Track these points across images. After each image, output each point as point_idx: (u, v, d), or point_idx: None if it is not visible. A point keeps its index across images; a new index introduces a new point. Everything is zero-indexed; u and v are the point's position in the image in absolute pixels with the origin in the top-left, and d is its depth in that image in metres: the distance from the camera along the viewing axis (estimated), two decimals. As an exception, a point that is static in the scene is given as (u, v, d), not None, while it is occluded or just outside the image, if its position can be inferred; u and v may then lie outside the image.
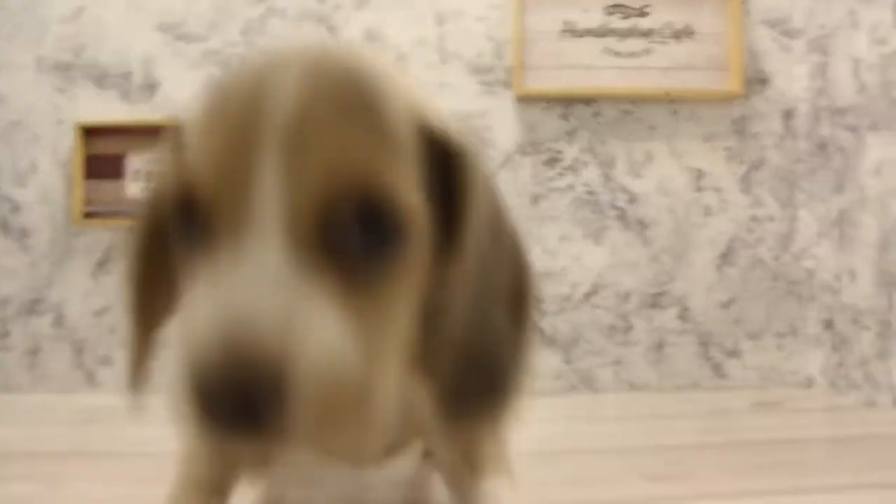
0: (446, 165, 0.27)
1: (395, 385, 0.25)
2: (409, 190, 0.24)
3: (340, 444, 0.22)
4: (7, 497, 0.54)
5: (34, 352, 1.13)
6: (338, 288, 0.22)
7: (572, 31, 1.12)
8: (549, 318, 1.10)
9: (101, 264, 1.13)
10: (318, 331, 0.21)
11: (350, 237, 0.23)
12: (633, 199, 1.12)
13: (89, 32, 1.13)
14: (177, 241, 0.26)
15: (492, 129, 1.12)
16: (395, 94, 0.25)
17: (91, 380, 1.11)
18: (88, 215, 1.13)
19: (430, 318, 0.27)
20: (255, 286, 0.21)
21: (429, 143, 0.26)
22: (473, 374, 0.26)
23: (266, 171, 0.22)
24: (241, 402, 0.20)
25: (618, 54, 1.12)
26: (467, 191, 0.26)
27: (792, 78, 1.14)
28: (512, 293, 0.30)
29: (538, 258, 1.11)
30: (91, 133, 1.13)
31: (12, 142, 1.14)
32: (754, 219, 1.13)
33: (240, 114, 0.23)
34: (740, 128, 1.13)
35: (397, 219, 0.24)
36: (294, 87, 0.23)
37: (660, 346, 1.11)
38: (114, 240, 1.13)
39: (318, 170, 0.22)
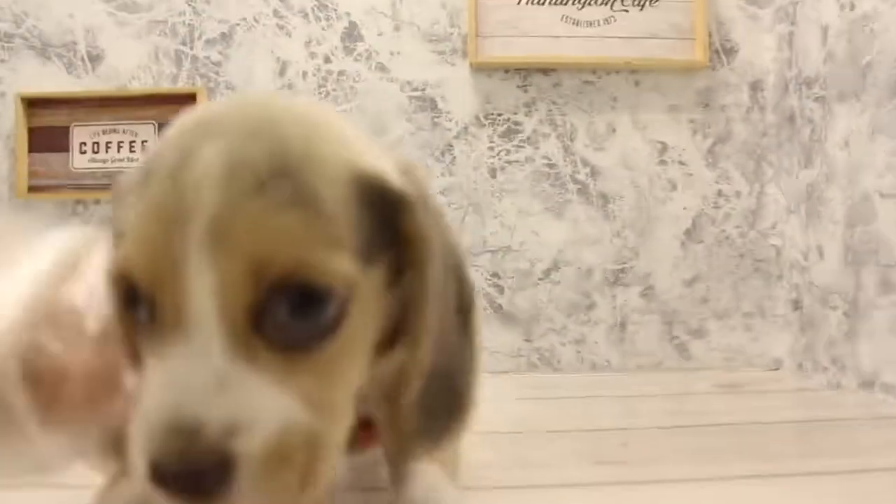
0: (391, 211, 0.27)
1: (344, 433, 0.27)
2: (341, 262, 0.25)
3: (288, 498, 0.24)
4: None
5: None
6: (278, 362, 0.24)
7: (531, -1, 1.08)
8: (509, 294, 1.06)
9: (45, 241, 1.10)
10: (257, 408, 0.23)
11: (283, 318, 0.24)
12: (594, 172, 1.08)
13: (30, 1, 1.09)
14: (122, 318, 0.27)
15: (447, 99, 1.08)
16: (327, 158, 0.26)
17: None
18: (33, 189, 1.09)
19: (388, 343, 0.29)
20: (196, 376, 0.23)
21: (369, 195, 0.27)
22: (440, 395, 0.29)
23: (195, 264, 0.23)
24: (191, 480, 0.22)
25: (578, 23, 1.08)
26: (416, 238, 0.28)
27: (759, 47, 1.10)
28: (459, 309, 0.31)
29: (496, 233, 1.07)
30: (34, 105, 1.10)
31: (-45, 115, 1.11)
32: (720, 194, 1.09)
33: (167, 204, 0.24)
34: (706, 99, 1.09)
35: (331, 293, 0.25)
36: (219, 173, 0.24)
37: (623, 324, 1.07)
38: (60, 213, 1.10)
39: (244, 261, 0.23)
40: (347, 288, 0.25)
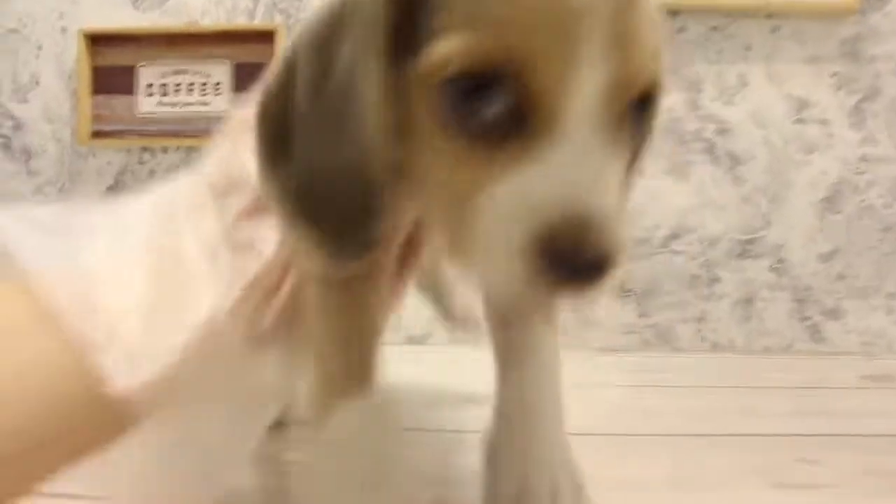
0: None
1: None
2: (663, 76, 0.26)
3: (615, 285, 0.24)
4: None
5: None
6: (621, 158, 0.25)
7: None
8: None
9: (112, 189, 1.00)
10: (621, 209, 0.24)
11: (633, 119, 0.25)
12: (722, 129, 0.95)
13: (97, -77, 0.99)
14: (453, 112, 0.24)
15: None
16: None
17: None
18: (96, 134, 0.99)
19: None
20: (593, 170, 0.23)
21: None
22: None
23: (591, 61, 0.23)
24: (592, 268, 0.23)
25: (710, -41, 0.95)
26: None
27: (918, -10, 0.95)
28: None
29: (609, 195, 0.95)
30: (98, 42, 0.99)
31: (12, 52, 1.01)
32: (865, 158, 0.95)
33: (559, 4, 0.23)
34: (852, 50, 0.95)
35: (658, 101, 0.27)
36: None
37: (749, 301, 0.95)
38: (125, 162, 1.00)
39: (633, 67, 0.24)
40: (661, 97, 0.27)
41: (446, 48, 0.23)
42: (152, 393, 0.28)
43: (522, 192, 0.23)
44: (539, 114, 0.23)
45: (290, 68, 0.27)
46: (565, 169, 0.23)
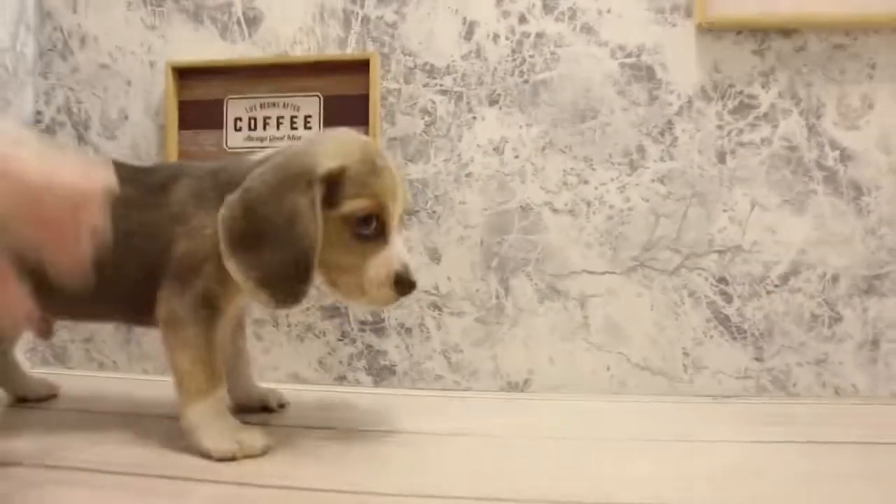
0: None
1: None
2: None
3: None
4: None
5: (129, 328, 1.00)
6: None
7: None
8: (738, 303, 0.89)
9: (198, 228, 0.99)
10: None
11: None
12: (845, 156, 0.88)
13: (185, -44, 0.97)
14: (354, 231, 0.57)
15: (668, 67, 0.90)
16: None
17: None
18: (184, 171, 0.98)
19: None
20: (404, 249, 0.59)
21: None
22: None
23: (399, 206, 0.59)
24: (411, 288, 0.58)
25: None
26: None
27: None
28: None
29: (725, 230, 0.89)
30: (186, 75, 0.98)
31: (101, 88, 1.00)
32: None
33: (393, 183, 0.59)
34: None
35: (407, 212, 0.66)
36: (395, 167, 0.61)
37: (875, 342, 0.88)
38: (212, 200, 0.98)
39: (405, 205, 0.62)
40: None
41: (356, 205, 0.56)
42: None
43: (385, 260, 0.57)
44: (384, 229, 0.58)
45: (247, 202, 0.55)
46: (398, 250, 0.58)
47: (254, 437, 0.56)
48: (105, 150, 1.00)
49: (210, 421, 0.56)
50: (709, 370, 0.89)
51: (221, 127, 0.98)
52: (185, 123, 0.99)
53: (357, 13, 0.94)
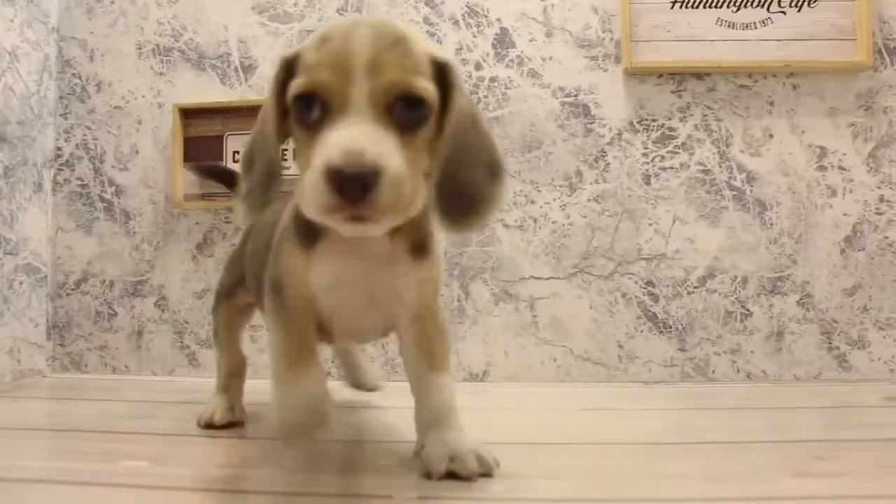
0: (443, 78, 0.48)
1: (420, 191, 0.45)
2: (428, 87, 0.45)
3: (399, 212, 0.43)
4: (116, 474, 0.53)
5: (139, 333, 1.13)
6: (398, 140, 0.43)
7: (683, 1, 1.06)
8: (663, 303, 1.05)
9: (201, 247, 1.13)
10: (388, 156, 0.41)
11: (401, 113, 0.44)
12: (750, 178, 1.05)
13: (188, 16, 1.13)
14: (298, 118, 0.46)
15: (601, 105, 1.07)
16: (417, 40, 0.47)
17: (193, 361, 1.11)
18: (189, 197, 1.13)
19: (435, 169, 0.48)
20: (359, 134, 0.42)
21: (435, 65, 0.47)
22: (458, 199, 0.47)
23: (359, 81, 0.43)
24: (357, 184, 0.40)
25: (734, 25, 1.06)
26: (452, 91, 0.48)
27: (926, 47, 1.05)
28: (490, 166, 0.49)
29: (651, 241, 1.05)
30: (190, 115, 1.13)
31: (115, 126, 1.15)
32: (883, 200, 1.05)
33: (341, 53, 0.44)
34: (868, 102, 1.05)
35: (423, 101, 0.45)
36: (368, 38, 0.44)
37: (780, 334, 1.04)
38: (213, 222, 1.13)
39: (384, 82, 0.43)
40: (430, 102, 0.46)
41: (293, 86, 0.46)
42: None
43: (321, 150, 0.42)
44: (333, 112, 0.44)
45: (254, 137, 0.52)
46: (340, 133, 0.42)
47: (315, 417, 0.52)
48: (119, 181, 1.15)
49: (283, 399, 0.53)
50: (640, 360, 1.05)
51: (222, 159, 1.13)
52: (189, 156, 1.14)
53: (338, 61, 1.11)
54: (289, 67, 0.47)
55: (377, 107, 0.43)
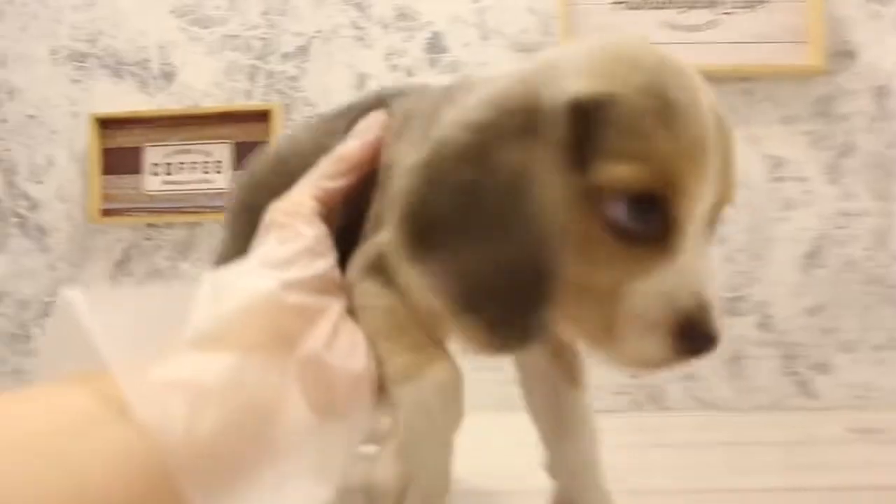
0: None
1: None
2: None
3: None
4: None
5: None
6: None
7: (626, 2, 1.00)
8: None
9: (120, 264, 1.05)
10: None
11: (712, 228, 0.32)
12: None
13: (105, 20, 1.06)
14: (617, 221, 0.29)
15: (539, 112, 1.00)
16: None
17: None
18: (106, 213, 1.05)
19: None
20: (703, 268, 0.30)
21: None
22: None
23: (711, 185, 0.29)
24: (708, 345, 0.29)
25: (679, 27, 0.99)
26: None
27: (884, 49, 0.98)
28: None
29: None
30: (107, 125, 1.06)
31: (28, 136, 1.08)
32: (844, 213, 0.97)
33: (693, 129, 0.29)
34: (825, 108, 0.98)
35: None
36: (714, 127, 0.30)
37: (737, 358, 0.96)
38: (132, 238, 1.05)
39: (730, 187, 0.31)
40: None
41: (620, 172, 0.28)
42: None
43: (664, 286, 0.29)
44: (676, 226, 0.29)
45: (426, 183, 0.30)
46: (693, 268, 0.29)
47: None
48: (32, 194, 1.07)
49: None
50: (590, 387, 0.96)
51: (140, 171, 1.06)
52: (107, 169, 1.06)
53: (262, 68, 1.04)
54: (586, 118, 0.29)
55: (711, 224, 0.31)
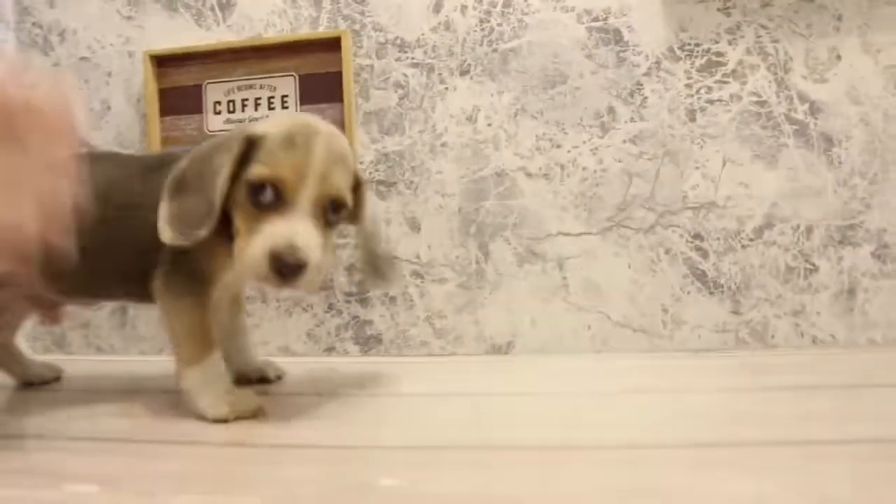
0: (357, 185, 0.61)
1: (328, 266, 0.58)
2: (349, 195, 0.58)
3: (311, 289, 0.54)
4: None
5: (123, 311, 1.02)
6: (322, 232, 0.56)
7: None
8: (714, 258, 0.90)
9: (184, 212, 1.01)
10: (315, 249, 0.53)
11: (330, 214, 0.56)
12: (815, 109, 0.89)
13: (156, -56, 0.98)
14: (251, 196, 0.54)
15: (634, 29, 0.91)
16: (350, 158, 0.59)
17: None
18: (167, 157, 1.00)
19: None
20: (302, 230, 0.53)
21: (356, 179, 0.61)
22: (377, 264, 0.65)
23: (310, 185, 0.54)
24: (291, 270, 0.52)
25: (793, -74, 0.88)
26: (362, 198, 0.62)
27: None
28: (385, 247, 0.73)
29: (698, 187, 0.90)
30: (164, 63, 1.00)
31: (83, 80, 1.02)
32: (974, 129, 0.88)
33: (302, 162, 0.54)
34: (956, 12, 0.88)
35: (345, 205, 0.57)
36: (323, 152, 0.55)
37: (851, 291, 0.89)
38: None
39: (326, 190, 0.55)
40: (349, 207, 0.58)
41: (253, 170, 0.54)
42: None
43: (269, 233, 0.52)
44: (283, 203, 0.53)
45: (191, 158, 0.57)
46: (288, 226, 0.52)
47: (246, 399, 0.58)
48: (92, 141, 1.02)
49: (204, 385, 0.58)
50: (688, 325, 0.91)
51: (201, 111, 1.00)
52: (165, 110, 1.01)
53: (327, -8, 0.96)
54: (250, 144, 0.55)
55: (316, 207, 0.55)
